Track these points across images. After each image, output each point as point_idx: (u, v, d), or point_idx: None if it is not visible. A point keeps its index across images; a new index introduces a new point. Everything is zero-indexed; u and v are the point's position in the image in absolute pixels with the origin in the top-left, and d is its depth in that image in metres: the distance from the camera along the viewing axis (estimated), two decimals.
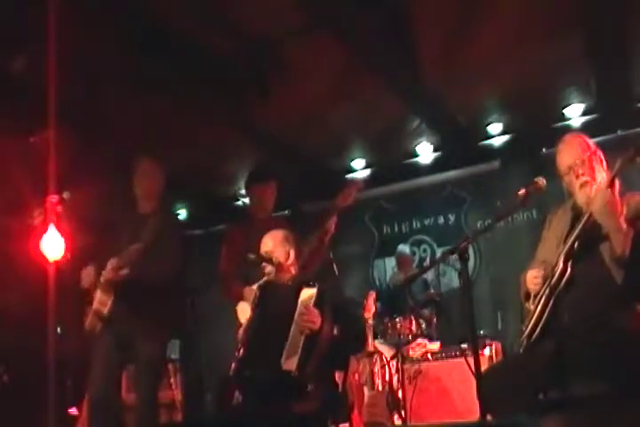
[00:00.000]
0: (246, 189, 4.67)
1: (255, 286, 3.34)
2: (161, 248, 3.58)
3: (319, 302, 3.03)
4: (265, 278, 3.38)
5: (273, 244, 3.39)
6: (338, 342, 3.07)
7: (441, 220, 7.03)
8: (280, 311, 3.09)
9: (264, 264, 3.35)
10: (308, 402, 2.95)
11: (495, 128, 6.23)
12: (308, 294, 3.06)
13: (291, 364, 2.92)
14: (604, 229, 2.62)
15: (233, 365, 3.10)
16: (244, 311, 3.86)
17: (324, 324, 3.00)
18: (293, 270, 3.37)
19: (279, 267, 3.33)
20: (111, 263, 3.60)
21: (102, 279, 3.61)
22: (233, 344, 3.45)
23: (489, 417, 2.45)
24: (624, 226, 2.56)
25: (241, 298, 4.00)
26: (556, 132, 5.68)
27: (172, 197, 4.60)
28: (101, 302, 3.61)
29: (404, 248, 6.69)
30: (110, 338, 3.68)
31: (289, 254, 3.37)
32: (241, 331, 3.33)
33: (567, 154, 2.82)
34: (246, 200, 7.12)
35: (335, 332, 3.07)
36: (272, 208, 4.46)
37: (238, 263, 4.02)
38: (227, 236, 4.44)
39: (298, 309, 3.02)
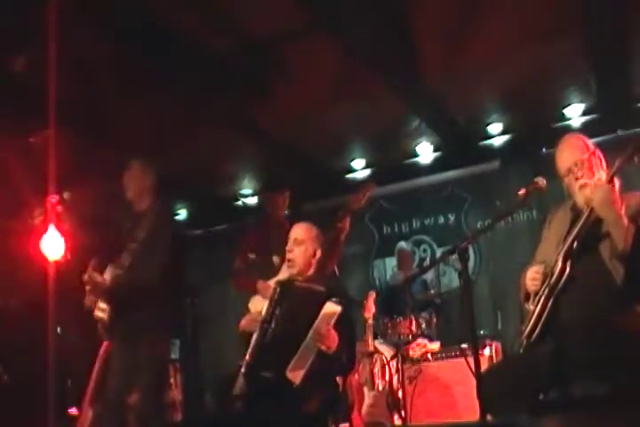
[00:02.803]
0: (262, 195, 5.05)
1: (273, 282, 3.29)
2: (151, 247, 3.56)
3: (339, 322, 3.02)
4: (287, 275, 3.36)
5: (306, 236, 3.35)
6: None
7: (441, 220, 7.03)
8: (298, 315, 3.07)
9: (288, 249, 3.33)
10: (308, 402, 2.95)
11: (495, 128, 6.24)
12: (331, 309, 3.03)
13: (295, 376, 2.93)
14: (604, 228, 2.62)
15: (246, 360, 3.06)
16: (255, 304, 4.04)
17: (339, 346, 3.00)
18: (313, 270, 3.35)
19: (301, 261, 3.31)
20: (108, 271, 3.60)
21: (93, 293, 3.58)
22: (235, 338, 3.43)
23: (489, 417, 2.45)
24: (625, 220, 2.55)
25: (254, 291, 4.18)
26: (556, 132, 5.68)
27: (170, 195, 4.62)
28: (102, 309, 3.61)
29: (404, 244, 6.71)
30: (117, 343, 3.72)
31: (315, 252, 3.34)
32: (244, 323, 3.33)
33: (566, 155, 2.81)
34: (246, 200, 7.21)
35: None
36: (285, 211, 4.67)
37: (251, 260, 4.32)
38: (242, 235, 4.67)
39: (318, 322, 3.01)
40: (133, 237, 3.64)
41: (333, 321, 3.01)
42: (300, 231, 3.38)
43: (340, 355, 3.05)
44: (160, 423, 3.67)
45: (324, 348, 2.96)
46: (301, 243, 3.33)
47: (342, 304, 3.05)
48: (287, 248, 3.36)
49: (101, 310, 3.61)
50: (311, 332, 3.00)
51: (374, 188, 4.43)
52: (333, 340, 2.98)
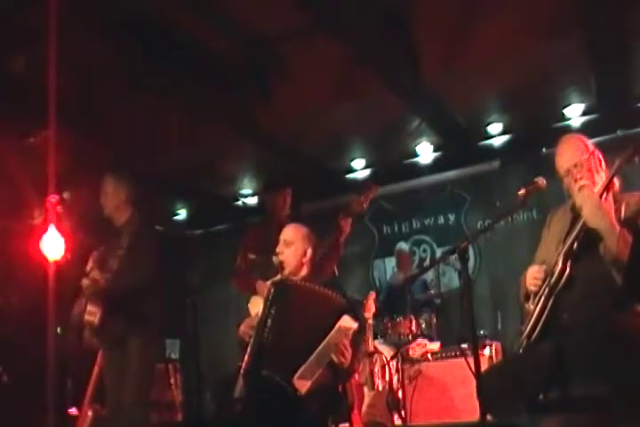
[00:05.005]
0: (263, 195, 4.96)
1: (269, 282, 3.29)
2: (134, 257, 3.75)
3: (354, 338, 3.03)
4: (280, 276, 3.33)
5: (295, 236, 3.35)
6: None
7: (441, 220, 7.03)
8: (301, 315, 3.05)
9: (278, 251, 3.32)
10: (308, 402, 2.95)
11: (495, 128, 6.23)
12: (348, 324, 3.02)
13: (302, 385, 2.90)
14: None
15: (245, 361, 3.04)
16: (255, 305, 4.01)
17: (351, 362, 3.01)
18: (306, 270, 3.34)
19: (291, 262, 3.30)
20: (94, 275, 3.75)
21: (87, 291, 3.73)
22: (235, 339, 3.43)
23: (489, 417, 2.45)
24: (617, 227, 2.56)
25: (253, 291, 4.18)
26: (556, 132, 5.68)
27: (151, 203, 4.73)
28: (91, 313, 3.71)
29: (402, 246, 6.71)
30: (106, 346, 3.87)
31: (306, 252, 3.33)
32: (243, 326, 3.31)
33: (565, 156, 2.81)
34: (246, 200, 7.21)
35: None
36: (287, 211, 4.66)
37: (251, 261, 4.34)
38: (244, 235, 4.65)
39: (333, 334, 2.98)
40: (119, 244, 3.82)
41: (349, 335, 3.00)
42: (288, 232, 3.38)
43: (350, 370, 3.06)
44: (151, 423, 3.73)
45: (337, 361, 2.96)
46: (291, 244, 3.32)
47: (358, 322, 3.04)
48: (277, 250, 3.35)
49: (91, 314, 3.70)
50: (326, 343, 2.97)
51: (377, 190, 4.42)
52: (349, 355, 2.99)
